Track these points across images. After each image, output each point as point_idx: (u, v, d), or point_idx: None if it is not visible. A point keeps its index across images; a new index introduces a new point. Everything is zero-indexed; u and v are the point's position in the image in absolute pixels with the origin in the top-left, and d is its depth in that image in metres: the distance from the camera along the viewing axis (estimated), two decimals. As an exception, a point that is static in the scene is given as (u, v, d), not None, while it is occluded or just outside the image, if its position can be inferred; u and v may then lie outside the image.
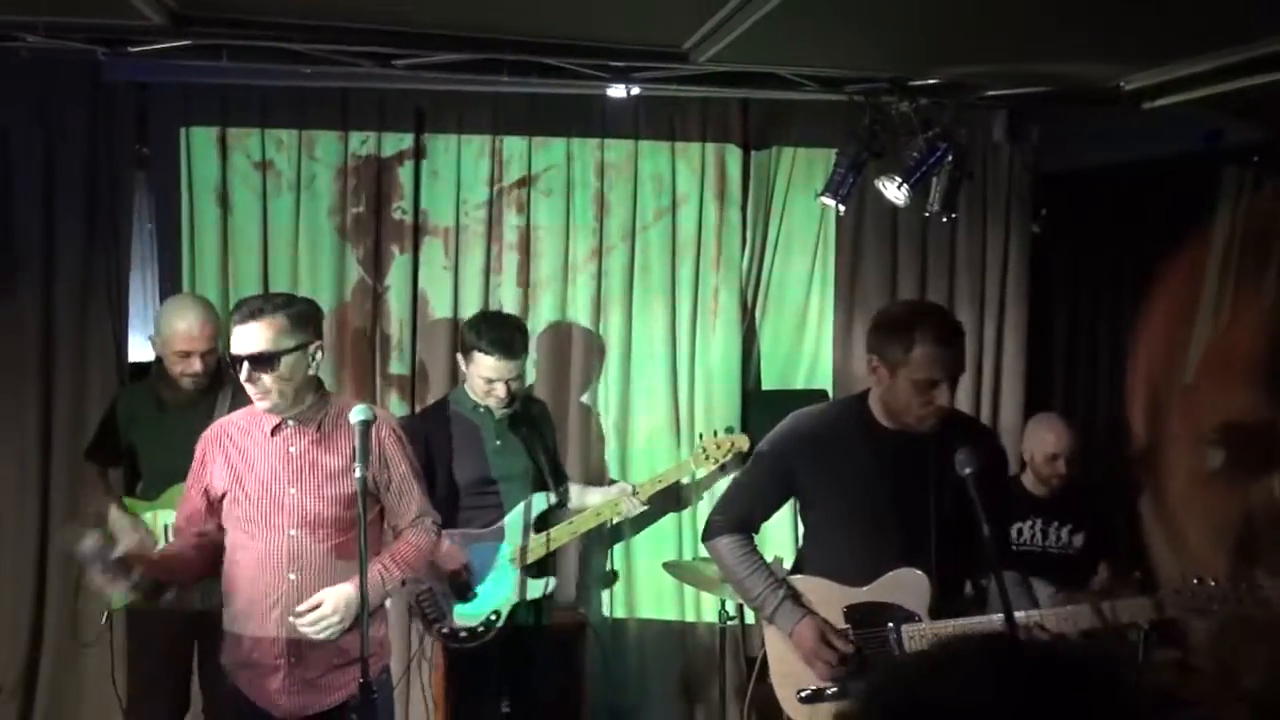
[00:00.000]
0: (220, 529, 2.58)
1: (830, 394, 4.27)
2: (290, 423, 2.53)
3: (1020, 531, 3.72)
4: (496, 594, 3.42)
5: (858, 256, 4.24)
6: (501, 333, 3.37)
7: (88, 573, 2.37)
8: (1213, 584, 2.48)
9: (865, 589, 2.58)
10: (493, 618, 3.41)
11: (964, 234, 4.21)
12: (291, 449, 2.52)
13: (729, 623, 3.87)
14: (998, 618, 2.47)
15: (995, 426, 4.23)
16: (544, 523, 3.51)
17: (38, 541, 3.72)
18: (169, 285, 3.94)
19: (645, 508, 3.74)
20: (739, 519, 2.72)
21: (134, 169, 3.83)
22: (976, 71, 3.32)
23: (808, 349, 4.35)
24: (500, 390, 3.37)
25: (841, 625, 2.58)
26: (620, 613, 4.22)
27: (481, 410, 3.44)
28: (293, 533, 2.49)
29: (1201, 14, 2.69)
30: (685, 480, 4.04)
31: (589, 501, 3.68)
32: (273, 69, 3.32)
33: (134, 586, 2.38)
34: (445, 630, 3.40)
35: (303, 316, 2.51)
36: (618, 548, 4.21)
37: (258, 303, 2.50)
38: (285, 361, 2.45)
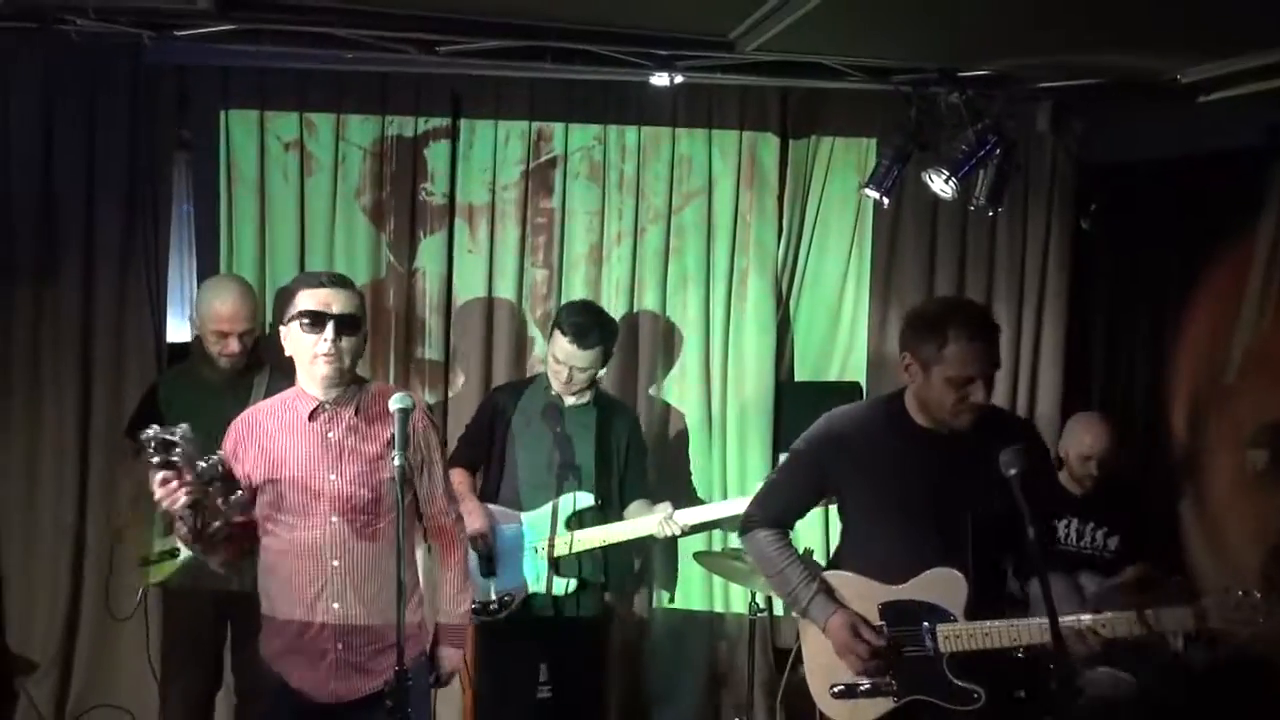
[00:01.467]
0: (250, 520, 2.52)
1: (864, 386, 4.23)
2: (328, 406, 2.49)
3: (1055, 530, 3.67)
4: (514, 578, 3.41)
5: (895, 248, 4.18)
6: (583, 319, 3.37)
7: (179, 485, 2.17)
8: (1258, 595, 2.43)
9: (901, 587, 2.57)
10: (507, 599, 3.40)
11: (1004, 227, 4.13)
12: (330, 435, 2.49)
13: (759, 614, 3.84)
14: (1036, 622, 2.44)
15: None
16: (579, 522, 3.45)
17: (75, 518, 3.73)
18: (207, 266, 3.94)
19: (681, 534, 3.51)
20: (775, 515, 2.73)
21: (174, 151, 3.82)
22: (1029, 63, 3.24)
23: (842, 341, 4.30)
24: (564, 375, 3.37)
25: (876, 622, 2.57)
26: (651, 603, 4.20)
27: (553, 394, 3.45)
28: (334, 520, 2.46)
29: (1264, 7, 2.60)
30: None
31: (628, 515, 3.55)
32: (311, 53, 3.29)
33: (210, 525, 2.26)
34: None
35: (361, 298, 2.58)
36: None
37: (337, 273, 2.57)
38: (362, 331, 2.49)
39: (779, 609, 4.17)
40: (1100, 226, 4.07)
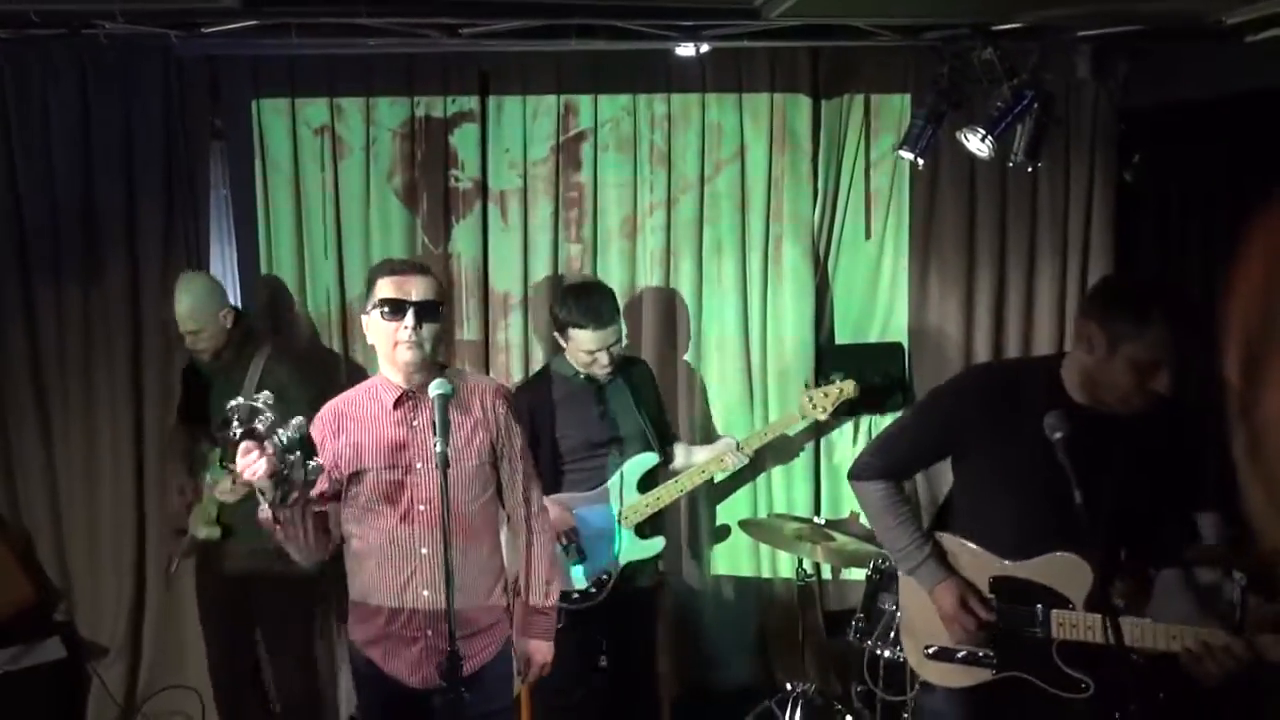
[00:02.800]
0: (333, 514, 2.54)
1: (906, 347, 4.18)
2: (412, 394, 2.50)
3: (1196, 524, 3.57)
4: (607, 554, 3.46)
5: (933, 206, 4.09)
6: (591, 301, 3.36)
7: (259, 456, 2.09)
8: None
9: (1018, 564, 2.47)
10: (605, 578, 3.45)
11: (1045, 180, 4.02)
12: (415, 422, 2.50)
13: (807, 579, 3.86)
14: (1164, 627, 2.30)
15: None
16: (651, 482, 3.55)
17: (135, 506, 3.83)
18: (247, 254, 3.99)
19: (748, 461, 3.73)
20: (895, 465, 2.61)
21: (209, 141, 3.86)
22: (1065, 13, 3.12)
23: (882, 302, 4.24)
24: (604, 359, 3.38)
25: (986, 595, 2.49)
26: (702, 572, 4.22)
27: (583, 378, 3.45)
28: (421, 508, 2.48)
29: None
30: (791, 432, 3.96)
31: (695, 459, 3.69)
32: (340, 42, 3.29)
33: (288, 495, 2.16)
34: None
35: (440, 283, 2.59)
36: (701, 509, 4.19)
37: (417, 260, 2.62)
38: (443, 317, 2.51)
39: (826, 573, 4.19)
40: (1145, 175, 3.95)
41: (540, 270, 4.03)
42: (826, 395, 3.69)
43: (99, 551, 3.88)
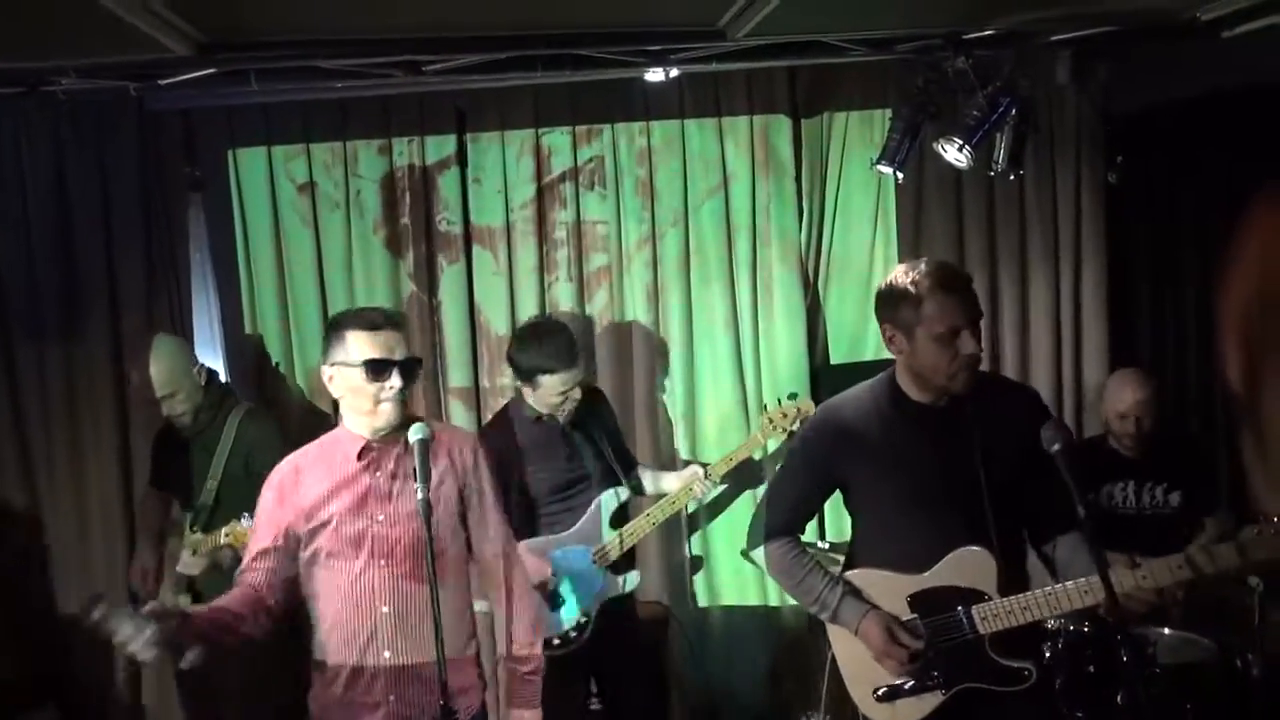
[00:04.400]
0: (292, 573, 2.47)
1: (903, 362, 4.12)
2: (375, 446, 2.44)
3: (1111, 495, 3.53)
4: (584, 596, 3.38)
5: (921, 219, 4.04)
6: (556, 344, 3.27)
7: (117, 634, 2.12)
8: None
9: (927, 574, 2.45)
10: (583, 620, 3.38)
11: (1032, 187, 3.97)
12: (377, 474, 2.43)
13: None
14: (1073, 586, 2.33)
15: (1078, 387, 4.02)
16: (622, 517, 3.47)
17: (125, 574, 3.74)
18: (229, 308, 3.95)
19: (721, 487, 3.68)
20: (784, 521, 2.61)
21: (187, 193, 3.85)
22: (1037, 17, 3.08)
23: (875, 319, 4.17)
24: (576, 395, 3.33)
25: (908, 616, 2.46)
26: (703, 601, 4.15)
27: (546, 419, 3.38)
28: (382, 562, 2.40)
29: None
30: (757, 455, 3.92)
31: (664, 487, 3.62)
32: (310, 85, 3.27)
33: (164, 643, 2.16)
34: None
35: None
36: (695, 536, 4.12)
37: (390, 311, 2.49)
38: (415, 373, 2.44)
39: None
40: (1132, 176, 3.90)
41: (529, 312, 3.98)
42: (785, 415, 3.64)
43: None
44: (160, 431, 3.56)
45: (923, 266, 2.43)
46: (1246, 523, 2.98)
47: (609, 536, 3.41)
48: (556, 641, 3.34)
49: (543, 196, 3.97)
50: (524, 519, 3.36)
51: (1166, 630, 3.14)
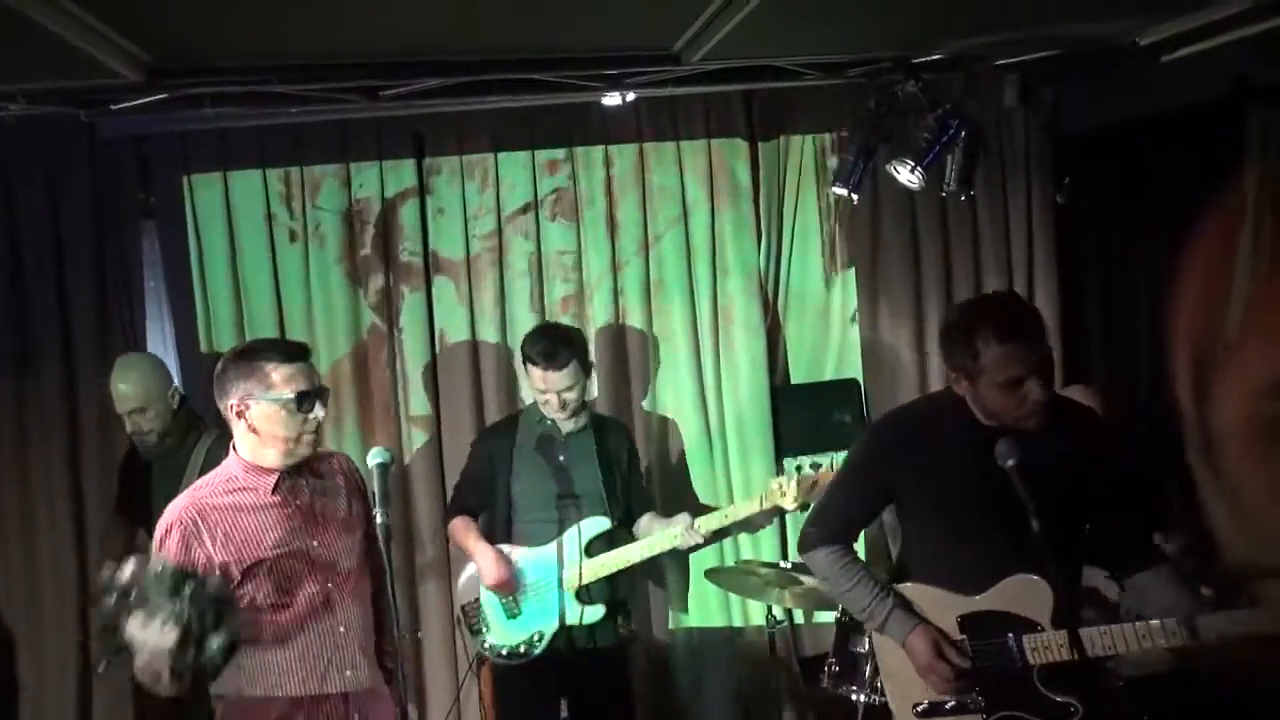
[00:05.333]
0: None
1: (861, 381, 4.15)
2: (289, 476, 2.42)
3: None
4: (542, 615, 3.36)
5: (877, 239, 4.10)
6: (545, 344, 3.33)
7: (117, 614, 2.00)
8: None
9: (980, 597, 2.42)
10: (535, 638, 3.35)
11: (985, 207, 4.05)
12: (299, 502, 2.42)
13: (777, 625, 3.76)
14: (1131, 627, 2.29)
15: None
16: (599, 549, 3.41)
17: (77, 610, 3.68)
18: (184, 336, 3.90)
19: (703, 543, 3.52)
20: (836, 530, 2.58)
21: (140, 220, 3.80)
22: (984, 41, 3.16)
23: (834, 338, 4.23)
24: (554, 401, 3.34)
25: (956, 636, 2.43)
26: (668, 624, 4.12)
27: (549, 423, 3.39)
28: (330, 585, 2.40)
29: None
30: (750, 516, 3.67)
31: (650, 532, 3.52)
32: (265, 110, 3.25)
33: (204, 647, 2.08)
34: (486, 644, 3.39)
35: None
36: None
37: (300, 343, 2.49)
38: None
39: (799, 618, 4.09)
40: (1080, 197, 3.98)
41: (493, 339, 3.97)
42: (799, 485, 3.36)
43: (43, 654, 3.71)
44: (126, 456, 3.50)
45: (983, 307, 2.40)
46: (1190, 542, 3.05)
47: (578, 562, 3.37)
48: (505, 652, 3.35)
49: (504, 228, 3.97)
50: (505, 523, 3.38)
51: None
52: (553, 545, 3.37)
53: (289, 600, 2.37)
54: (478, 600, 3.46)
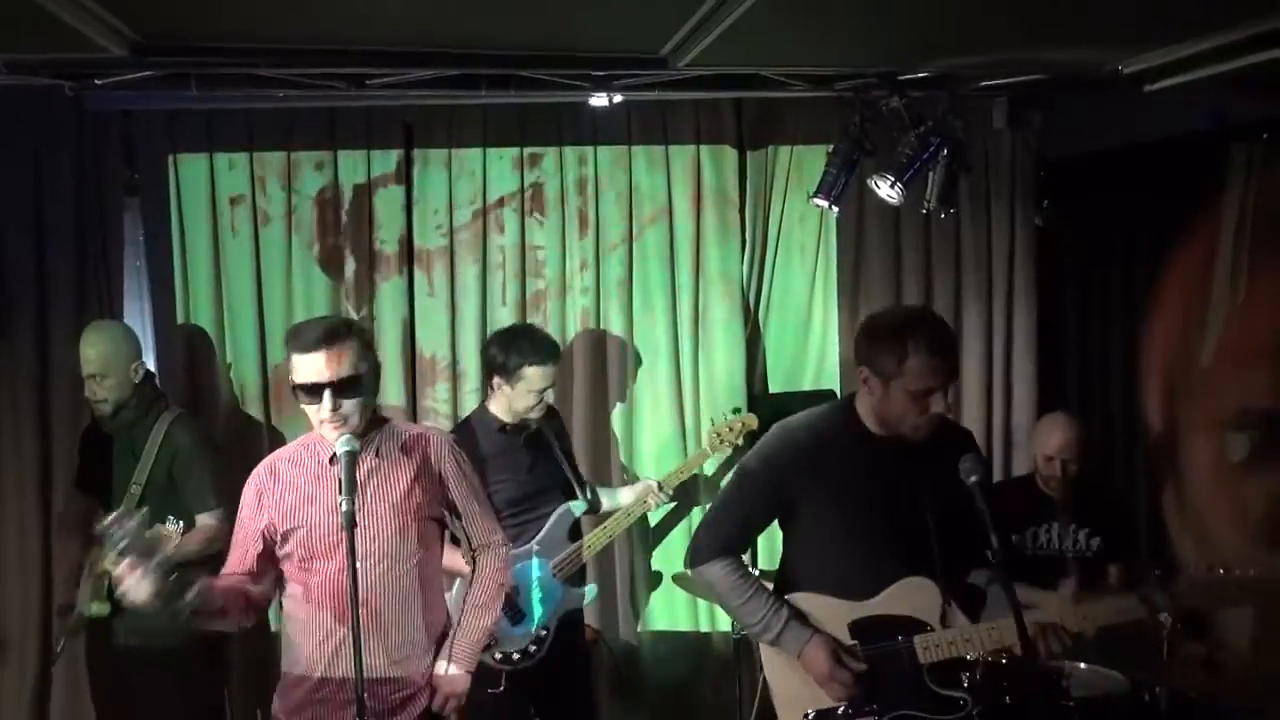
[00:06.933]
0: (269, 576, 2.47)
1: (839, 393, 4.18)
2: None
3: (1037, 535, 3.60)
4: (543, 610, 3.39)
5: (860, 254, 4.14)
6: (536, 339, 3.37)
7: (122, 561, 2.08)
8: (1236, 573, 2.41)
9: (870, 602, 2.49)
10: (542, 634, 3.38)
11: (968, 227, 4.09)
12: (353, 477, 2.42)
13: (743, 632, 3.79)
14: (990, 624, 2.43)
15: (1007, 425, 4.12)
16: (579, 531, 3.53)
17: (41, 575, 3.67)
18: (162, 311, 3.90)
19: (672, 502, 3.78)
20: (728, 540, 2.60)
21: (123, 196, 3.79)
22: (970, 62, 3.20)
23: (813, 349, 4.27)
24: (550, 397, 3.38)
25: (849, 642, 2.49)
26: (634, 625, 4.14)
27: (509, 429, 3.41)
28: (360, 566, 2.38)
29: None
30: (708, 470, 4.01)
31: (619, 502, 3.68)
32: (253, 93, 3.25)
33: (173, 599, 2.17)
34: (499, 655, 3.34)
35: (363, 340, 2.47)
36: (634, 560, 4.12)
37: (326, 327, 2.41)
38: (366, 385, 2.42)
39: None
40: (1061, 221, 4.03)
41: (468, 334, 3.99)
42: (730, 429, 3.80)
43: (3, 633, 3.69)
44: (87, 431, 3.49)
45: (915, 319, 2.47)
46: (1160, 568, 3.10)
47: (568, 549, 3.44)
48: (516, 656, 3.34)
49: (480, 220, 3.97)
50: None
51: (1082, 664, 3.21)
52: (537, 540, 3.40)
53: (317, 570, 2.41)
54: None
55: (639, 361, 4.12)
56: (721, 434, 3.79)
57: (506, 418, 3.39)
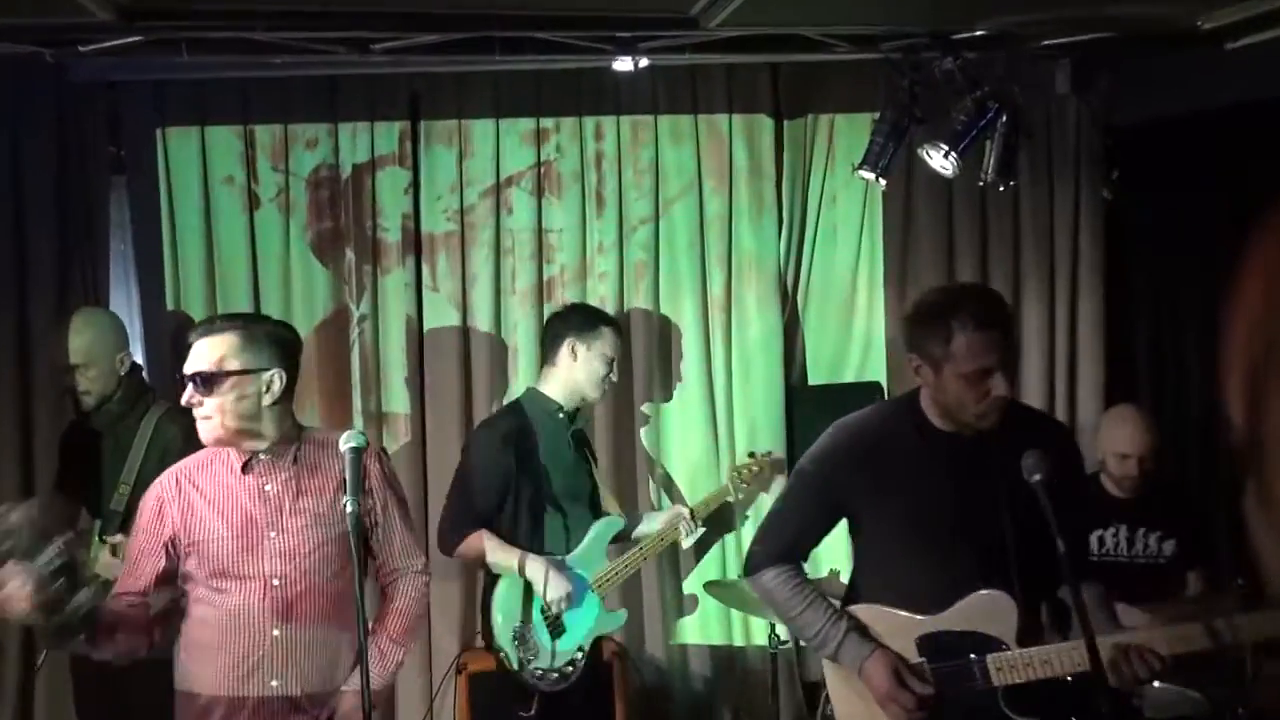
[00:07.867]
0: (171, 595, 2.45)
1: (885, 386, 4.15)
2: (262, 457, 2.43)
3: (1102, 540, 3.57)
4: (582, 626, 3.37)
5: (909, 232, 4.10)
6: (602, 309, 3.50)
7: (22, 588, 2.06)
8: None
9: (939, 616, 2.43)
10: (578, 655, 3.35)
11: (1028, 201, 4.05)
12: (267, 487, 2.43)
13: (780, 646, 3.78)
14: (1100, 642, 2.31)
15: (1072, 420, 4.08)
16: (615, 549, 3.53)
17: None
18: (151, 301, 3.93)
19: (703, 530, 3.78)
20: (785, 548, 2.58)
21: (109, 174, 3.81)
22: (1030, 19, 3.16)
23: (858, 337, 4.23)
24: (614, 373, 3.44)
25: (915, 659, 2.44)
26: (665, 639, 4.14)
27: (560, 415, 3.41)
28: (276, 582, 2.39)
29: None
30: (730, 500, 3.96)
31: (653, 528, 3.65)
32: (248, 60, 3.27)
33: (64, 628, 2.17)
34: (538, 671, 3.28)
35: (262, 338, 2.42)
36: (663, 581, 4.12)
37: (216, 319, 2.50)
38: (229, 384, 2.36)
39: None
40: (1131, 194, 3.98)
41: (482, 323, 3.98)
42: (754, 470, 3.88)
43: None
44: (68, 429, 3.52)
45: (958, 293, 2.46)
46: (1241, 577, 3.06)
47: (605, 566, 3.44)
48: (555, 676, 3.29)
49: (487, 201, 3.95)
50: (530, 523, 3.32)
51: (1156, 683, 3.18)
52: (581, 551, 3.39)
53: (228, 589, 2.39)
54: (529, 624, 3.30)
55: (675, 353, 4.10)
56: (742, 474, 3.82)
57: (563, 399, 3.39)
